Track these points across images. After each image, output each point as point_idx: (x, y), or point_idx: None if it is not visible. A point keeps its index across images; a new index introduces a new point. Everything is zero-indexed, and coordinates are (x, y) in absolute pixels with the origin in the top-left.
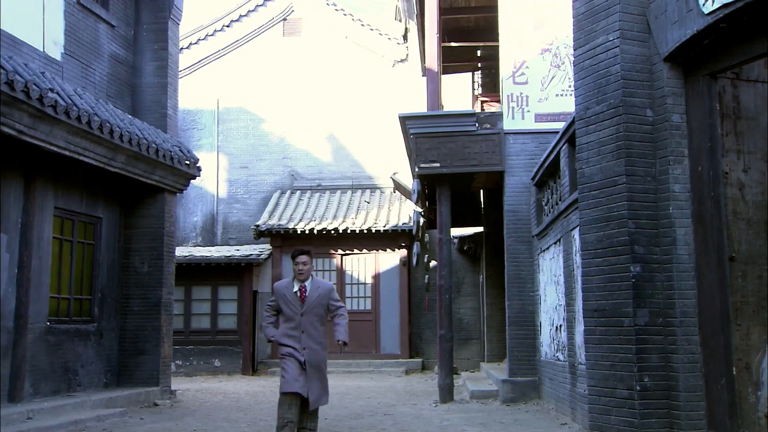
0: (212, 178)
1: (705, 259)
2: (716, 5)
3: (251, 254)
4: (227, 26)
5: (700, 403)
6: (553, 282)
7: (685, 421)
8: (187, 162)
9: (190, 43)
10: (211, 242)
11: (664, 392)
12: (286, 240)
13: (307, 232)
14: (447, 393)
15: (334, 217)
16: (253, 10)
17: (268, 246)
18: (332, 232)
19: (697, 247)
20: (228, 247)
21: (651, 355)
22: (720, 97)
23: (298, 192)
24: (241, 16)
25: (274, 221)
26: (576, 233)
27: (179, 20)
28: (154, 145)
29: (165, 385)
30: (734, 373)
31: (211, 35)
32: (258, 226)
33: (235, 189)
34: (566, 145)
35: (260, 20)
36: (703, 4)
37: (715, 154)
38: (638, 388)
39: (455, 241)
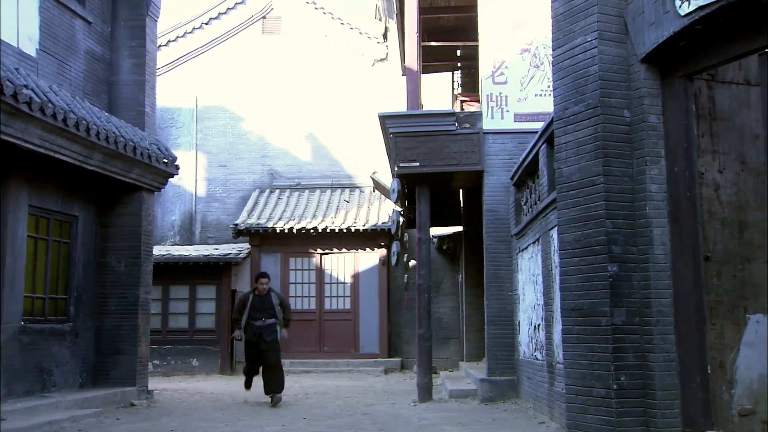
0: (191, 177)
1: (681, 258)
2: (692, 7)
3: (230, 253)
4: (206, 24)
5: (676, 402)
6: (531, 281)
7: (660, 419)
8: (165, 160)
9: (169, 41)
10: (189, 241)
11: (640, 391)
12: (264, 239)
13: (286, 231)
14: (426, 392)
15: (314, 216)
16: (232, 8)
17: (246, 245)
18: (311, 231)
19: (673, 246)
20: (206, 246)
21: (628, 354)
22: (696, 98)
23: (277, 191)
24: (219, 13)
25: (252, 220)
26: (554, 233)
27: (157, 17)
28: (131, 143)
29: (142, 385)
30: (709, 371)
31: (190, 33)
32: (237, 225)
33: (214, 188)
34: (545, 145)
35: (239, 18)
36: (680, 6)
37: (690, 155)
38: (615, 386)
39: (434, 240)
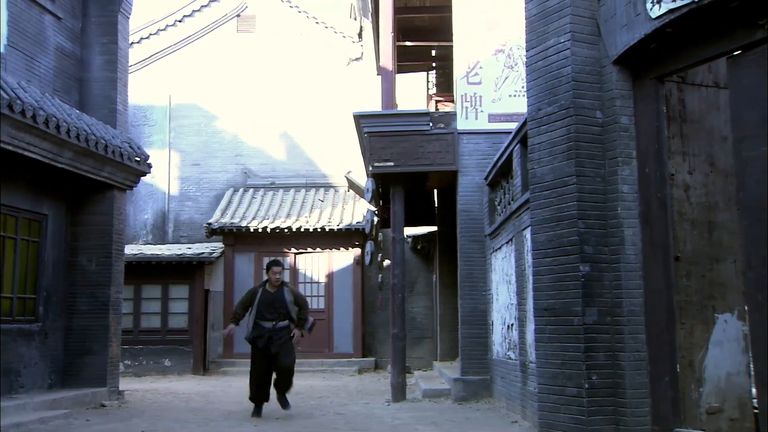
0: (164, 176)
1: (651, 258)
2: (663, 10)
3: (203, 253)
4: (179, 21)
5: (645, 400)
6: (505, 281)
7: (630, 417)
8: (138, 158)
9: (141, 38)
10: (162, 240)
11: (611, 389)
12: (238, 238)
13: (260, 230)
14: (399, 392)
15: (288, 215)
16: (206, 6)
17: (220, 244)
18: (285, 230)
19: (644, 247)
20: (179, 245)
21: (599, 353)
22: (667, 100)
23: (251, 190)
24: (193, 11)
25: (226, 219)
26: (527, 233)
27: (129, 14)
28: (102, 141)
29: (113, 386)
30: (678, 370)
31: (163, 30)
32: (210, 224)
33: (187, 186)
34: (519, 145)
35: (213, 16)
36: (651, 9)
37: (661, 156)
38: (586, 385)
39: (409, 240)
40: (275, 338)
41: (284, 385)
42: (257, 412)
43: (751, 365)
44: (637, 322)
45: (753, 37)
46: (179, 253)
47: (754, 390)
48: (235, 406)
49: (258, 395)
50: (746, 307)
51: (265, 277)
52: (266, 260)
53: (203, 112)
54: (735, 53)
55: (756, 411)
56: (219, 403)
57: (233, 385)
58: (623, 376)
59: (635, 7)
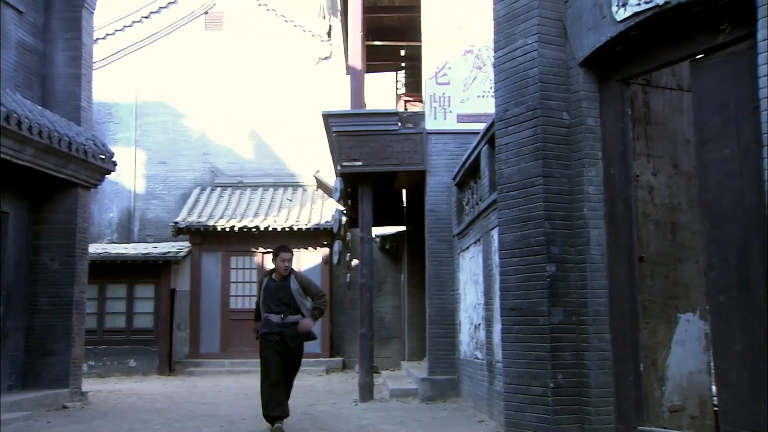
0: (129, 174)
1: (616, 259)
2: (628, 14)
3: (169, 252)
4: (146, 18)
5: (610, 399)
6: (472, 281)
7: (595, 416)
8: (102, 156)
9: (107, 34)
10: (127, 239)
11: (576, 389)
12: (205, 237)
13: (227, 229)
14: (367, 392)
15: (256, 214)
16: (173, 2)
17: (187, 244)
18: (253, 230)
19: (609, 247)
20: (145, 244)
21: (564, 352)
22: (632, 103)
23: (219, 189)
24: (160, 7)
25: (193, 218)
26: (495, 233)
27: (93, 9)
28: (66, 138)
29: (75, 387)
30: (641, 369)
31: (129, 26)
32: (177, 223)
33: (154, 185)
34: (486, 145)
35: (181, 13)
36: (616, 12)
37: (626, 158)
38: (552, 385)
39: (377, 240)
40: (287, 333)
41: (285, 404)
42: (272, 417)
43: (712, 364)
44: (602, 321)
45: (714, 41)
46: (145, 252)
47: (714, 388)
48: (200, 407)
49: (274, 404)
50: (707, 307)
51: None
52: (234, 260)
53: (170, 109)
54: (697, 57)
55: (716, 409)
56: (185, 404)
57: (199, 385)
58: (588, 376)
59: (601, 10)
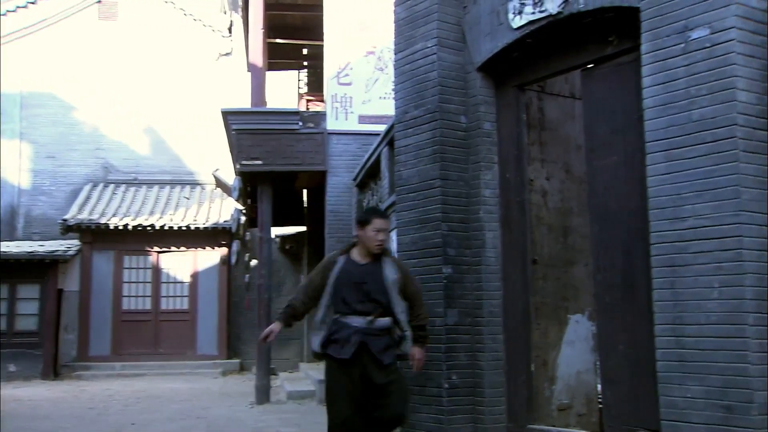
0: (14, 168)
1: (510, 261)
2: (523, 21)
3: (57, 250)
4: (32, 3)
5: (502, 398)
6: None
7: (488, 415)
8: None
9: None
10: (10, 237)
11: (470, 389)
12: (97, 236)
13: (120, 227)
14: (264, 394)
15: (151, 212)
16: None
17: (77, 242)
18: (148, 228)
19: (503, 250)
20: (30, 242)
21: (459, 353)
22: (527, 108)
23: (113, 185)
24: None
25: (84, 215)
26: (394, 234)
27: None
28: None
29: None
30: (533, 369)
31: (12, 11)
32: (66, 220)
33: (41, 180)
34: (387, 147)
35: (71, 0)
36: (512, 20)
37: (521, 162)
38: (446, 385)
39: (277, 240)
40: (374, 346)
41: None
42: None
43: (598, 363)
44: (496, 323)
45: (603, 52)
46: (30, 250)
47: (599, 387)
48: (86, 413)
49: None
50: (595, 308)
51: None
52: (127, 259)
53: (60, 102)
54: (588, 66)
55: (601, 406)
56: (69, 409)
57: (88, 390)
58: (482, 376)
59: (498, 16)
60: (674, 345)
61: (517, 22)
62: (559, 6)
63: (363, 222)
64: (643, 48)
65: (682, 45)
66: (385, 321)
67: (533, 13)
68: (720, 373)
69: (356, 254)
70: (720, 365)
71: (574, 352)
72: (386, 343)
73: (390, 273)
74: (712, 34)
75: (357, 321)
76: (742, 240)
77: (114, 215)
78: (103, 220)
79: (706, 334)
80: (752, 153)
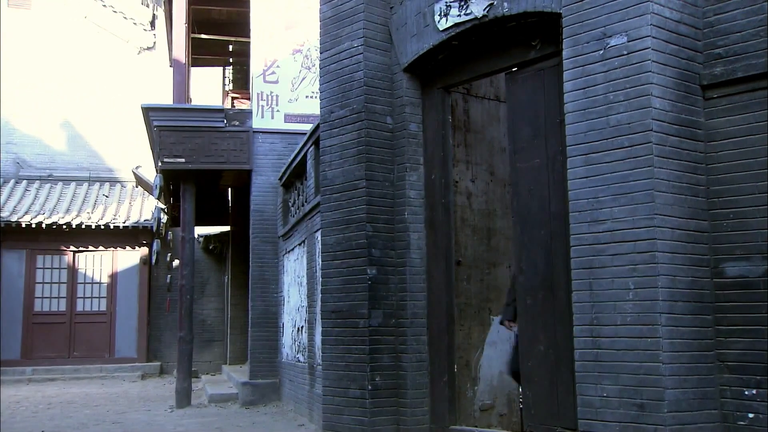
0: None
1: (435, 262)
2: (449, 23)
3: None
4: None
5: (425, 400)
6: (296, 283)
7: (411, 417)
8: None
9: None
10: None
11: (393, 390)
12: (7, 234)
13: (33, 225)
14: (184, 397)
15: (67, 210)
16: None
17: None
18: (64, 226)
19: (428, 251)
20: None
21: (383, 354)
22: (453, 110)
23: (25, 182)
24: None
25: None
26: (319, 235)
27: None
28: None
29: None
30: (456, 370)
31: None
32: None
33: None
34: (313, 147)
35: None
36: (438, 21)
37: (446, 164)
38: (370, 387)
39: (200, 239)
40: None
41: None
42: None
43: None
44: (419, 324)
45: (527, 56)
46: None
47: (520, 387)
48: None
49: None
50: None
51: None
52: (41, 259)
53: None
54: (512, 70)
55: (522, 406)
56: None
57: None
58: (405, 377)
59: (425, 18)
60: (591, 345)
61: (443, 24)
62: (484, 9)
63: None
64: (565, 53)
65: (601, 51)
66: None
67: (459, 15)
68: (633, 372)
69: None
70: (633, 364)
71: (497, 352)
72: None
73: None
74: (629, 41)
75: None
76: (656, 243)
77: (26, 213)
78: (14, 218)
79: (621, 335)
80: (666, 158)
